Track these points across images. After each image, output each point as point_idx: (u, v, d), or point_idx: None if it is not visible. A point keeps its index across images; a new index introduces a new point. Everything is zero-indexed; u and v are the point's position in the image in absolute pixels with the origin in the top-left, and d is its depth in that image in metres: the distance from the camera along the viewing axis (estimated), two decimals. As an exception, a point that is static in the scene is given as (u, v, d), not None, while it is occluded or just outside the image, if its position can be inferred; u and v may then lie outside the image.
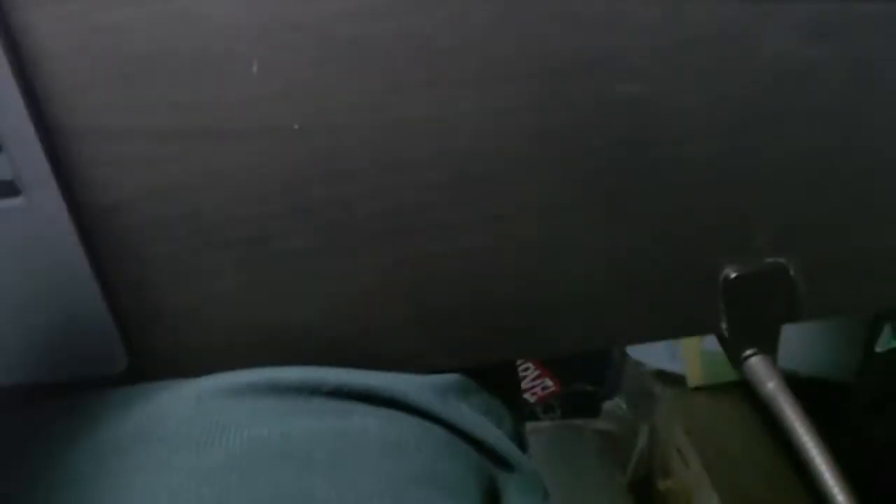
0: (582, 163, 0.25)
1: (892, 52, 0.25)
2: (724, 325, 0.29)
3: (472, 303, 0.28)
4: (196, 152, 0.24)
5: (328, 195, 0.25)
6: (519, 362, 0.84)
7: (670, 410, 0.72)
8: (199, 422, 0.24)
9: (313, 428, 0.25)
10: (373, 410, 0.26)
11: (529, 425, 0.84)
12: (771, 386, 0.28)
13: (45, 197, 0.23)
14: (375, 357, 0.28)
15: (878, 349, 0.60)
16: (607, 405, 0.85)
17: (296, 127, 0.24)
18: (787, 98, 0.25)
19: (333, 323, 0.27)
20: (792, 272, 0.28)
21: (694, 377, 0.73)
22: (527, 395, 0.88)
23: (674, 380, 0.74)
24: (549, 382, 0.88)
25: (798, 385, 0.28)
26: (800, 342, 0.62)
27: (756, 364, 0.29)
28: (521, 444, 0.32)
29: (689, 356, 0.72)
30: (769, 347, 0.29)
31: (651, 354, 0.76)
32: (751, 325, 0.29)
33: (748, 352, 0.29)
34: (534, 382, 0.88)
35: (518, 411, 0.33)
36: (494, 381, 0.31)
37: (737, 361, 0.29)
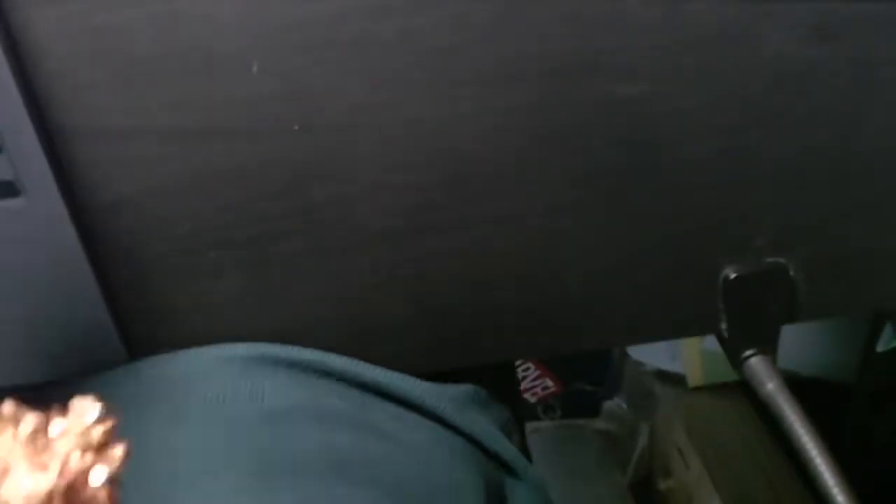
0: (582, 163, 0.25)
1: (893, 53, 0.25)
2: (723, 326, 0.29)
3: (471, 303, 0.28)
4: (196, 152, 0.24)
5: (328, 195, 0.25)
6: (519, 362, 0.84)
7: (671, 410, 0.72)
8: (237, 380, 0.25)
9: (339, 406, 0.25)
10: (392, 408, 0.27)
11: (530, 425, 0.84)
12: (771, 386, 0.28)
13: (45, 197, 0.23)
14: (375, 357, 0.28)
15: (879, 349, 0.60)
16: (608, 405, 0.85)
17: (296, 127, 0.24)
18: (787, 98, 0.25)
19: (333, 322, 0.27)
20: (792, 272, 0.28)
21: (694, 377, 0.73)
22: (527, 395, 0.88)
23: (674, 380, 0.74)
24: (549, 382, 0.88)
25: (798, 385, 0.28)
26: (800, 342, 0.62)
27: (756, 364, 0.29)
28: (527, 454, 0.33)
29: (690, 356, 0.72)
30: (769, 347, 0.29)
31: (651, 354, 0.76)
32: (750, 326, 0.29)
33: (748, 352, 0.29)
34: (534, 382, 0.88)
35: (520, 420, 0.34)
36: (497, 389, 0.31)
37: (737, 362, 0.29)
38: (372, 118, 0.24)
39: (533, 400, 0.89)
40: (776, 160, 0.26)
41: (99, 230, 0.24)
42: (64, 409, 0.15)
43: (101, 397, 0.16)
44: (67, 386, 0.26)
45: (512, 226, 0.26)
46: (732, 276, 0.28)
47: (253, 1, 0.22)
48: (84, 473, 0.13)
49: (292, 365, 0.26)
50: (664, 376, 0.76)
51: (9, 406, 0.14)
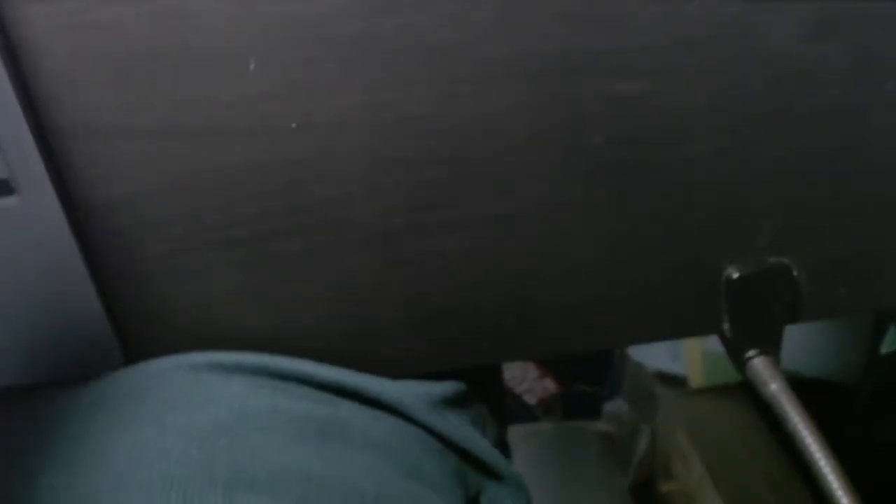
0: (582, 162, 0.25)
1: (893, 52, 0.25)
2: (726, 326, 0.29)
3: (471, 303, 0.27)
4: (193, 151, 0.24)
5: (327, 194, 0.25)
6: (519, 363, 0.84)
7: (672, 412, 0.72)
8: (192, 388, 0.24)
9: (302, 409, 0.25)
10: (360, 408, 0.26)
11: (530, 427, 0.84)
12: (774, 387, 0.28)
13: (41, 196, 0.23)
14: (374, 356, 0.28)
15: (882, 350, 0.60)
16: (608, 406, 0.85)
17: (293, 126, 0.24)
18: (788, 98, 0.25)
19: (332, 322, 0.27)
20: (794, 272, 0.28)
21: (696, 378, 0.73)
22: (527, 397, 0.88)
23: (675, 381, 0.74)
24: (549, 384, 0.88)
25: (801, 386, 0.28)
26: (803, 343, 0.62)
27: (759, 365, 0.29)
28: (505, 451, 0.32)
29: (691, 357, 0.72)
30: (772, 348, 0.29)
31: (652, 355, 0.76)
32: (753, 326, 0.29)
33: (751, 353, 0.29)
34: (534, 384, 0.88)
35: (500, 415, 0.33)
36: (476, 384, 0.31)
37: (739, 362, 0.29)
38: (371, 117, 0.24)
39: (533, 401, 0.89)
40: (777, 159, 0.26)
41: (95, 229, 0.24)
42: None
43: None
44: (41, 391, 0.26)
45: (512, 225, 0.26)
46: (735, 276, 0.28)
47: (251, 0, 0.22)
48: None
49: (255, 371, 0.25)
50: (665, 377, 0.76)
51: None
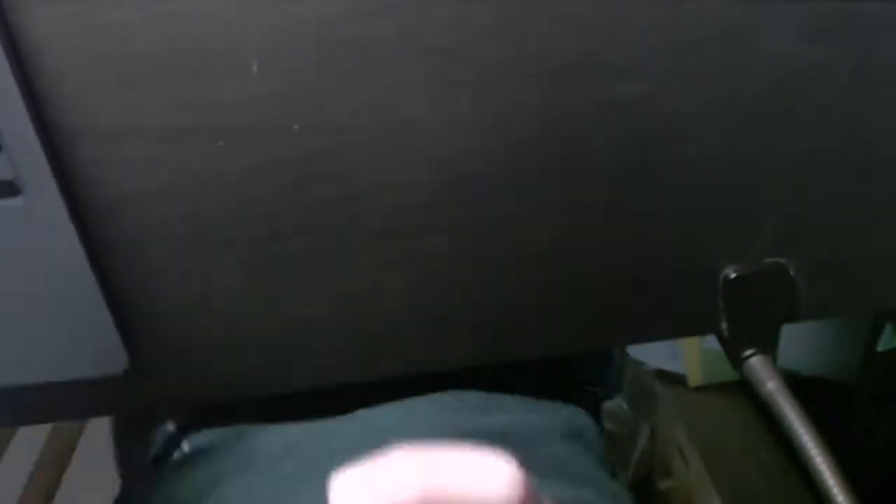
0: (582, 163, 0.25)
1: (892, 52, 0.25)
2: (724, 325, 0.29)
3: (472, 302, 0.28)
4: (196, 152, 0.24)
5: (328, 195, 0.25)
6: (519, 362, 0.84)
7: (671, 410, 0.72)
8: None
9: None
10: None
11: (530, 425, 0.84)
12: (771, 385, 0.28)
13: (45, 197, 0.23)
14: (374, 356, 0.28)
15: (879, 349, 0.60)
16: (608, 405, 0.85)
17: (295, 127, 0.24)
18: (787, 98, 0.25)
19: (333, 322, 0.27)
20: (792, 272, 0.28)
21: (694, 377, 0.73)
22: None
23: (674, 379, 0.74)
24: (549, 382, 0.88)
25: (798, 385, 0.28)
26: (800, 342, 0.62)
27: (756, 364, 0.29)
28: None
29: (690, 356, 0.72)
30: (769, 347, 0.29)
31: (651, 354, 0.76)
32: (751, 325, 0.29)
33: (748, 352, 0.29)
34: (534, 382, 0.88)
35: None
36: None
37: (737, 361, 0.29)
38: (372, 118, 0.24)
39: (533, 400, 0.89)
40: (776, 160, 0.26)
41: (99, 229, 0.24)
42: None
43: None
44: (66, 387, 0.26)
45: (511, 225, 0.26)
46: (733, 275, 0.28)
47: (253, 1, 0.22)
48: None
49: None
50: (664, 376, 0.76)
51: None
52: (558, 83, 0.24)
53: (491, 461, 0.13)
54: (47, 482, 0.57)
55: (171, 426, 0.35)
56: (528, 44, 0.23)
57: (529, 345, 0.29)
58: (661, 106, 0.25)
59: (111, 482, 0.44)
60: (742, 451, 0.66)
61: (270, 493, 0.25)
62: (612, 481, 0.28)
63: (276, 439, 0.29)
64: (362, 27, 0.23)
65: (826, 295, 0.29)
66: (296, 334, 0.27)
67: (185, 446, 0.32)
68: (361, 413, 0.32)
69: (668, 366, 0.75)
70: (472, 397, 0.30)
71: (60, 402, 0.28)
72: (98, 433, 0.54)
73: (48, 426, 0.61)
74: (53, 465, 0.58)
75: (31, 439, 0.59)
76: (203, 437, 0.32)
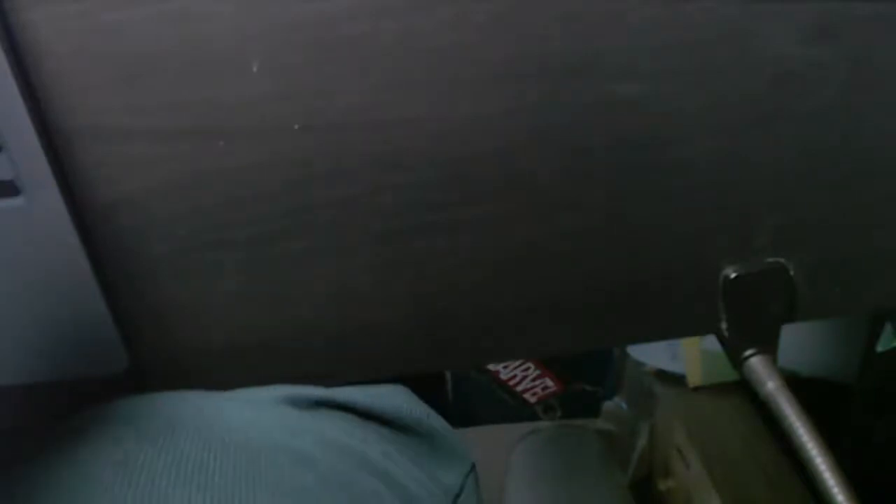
0: (582, 163, 0.25)
1: (893, 53, 0.25)
2: (723, 325, 0.29)
3: (472, 302, 0.28)
4: (196, 152, 0.24)
5: (328, 195, 0.25)
6: (520, 362, 0.84)
7: (671, 410, 0.72)
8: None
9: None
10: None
11: (530, 425, 0.84)
12: (771, 386, 0.28)
13: (46, 197, 0.23)
14: (374, 357, 0.28)
15: (879, 349, 0.60)
16: (608, 405, 0.85)
17: (296, 127, 0.24)
18: (787, 98, 0.25)
19: (333, 322, 0.27)
20: (791, 272, 0.28)
21: (694, 377, 0.73)
22: (527, 396, 0.88)
23: (674, 380, 0.74)
24: (549, 382, 0.88)
25: (798, 385, 0.28)
26: (800, 342, 0.62)
27: (756, 364, 0.29)
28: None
29: (690, 356, 0.72)
30: (769, 347, 0.29)
31: (651, 354, 0.76)
32: (750, 325, 0.29)
33: (748, 352, 0.29)
34: (534, 382, 0.88)
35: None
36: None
37: (737, 361, 0.29)
38: (372, 118, 0.24)
39: (533, 400, 0.89)
40: (776, 160, 0.26)
41: (99, 230, 0.24)
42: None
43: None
44: (67, 387, 0.26)
45: (511, 226, 0.26)
46: (732, 275, 0.28)
47: (253, 2, 0.22)
48: None
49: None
50: (664, 376, 0.76)
51: None
52: (558, 83, 0.24)
53: None
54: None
55: None
56: (528, 44, 0.23)
57: (529, 345, 0.29)
58: (660, 106, 0.25)
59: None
60: (742, 451, 0.66)
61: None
62: None
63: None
64: (362, 27, 0.23)
65: (826, 295, 0.29)
66: (296, 334, 0.27)
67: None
68: None
69: (668, 366, 0.75)
70: None
71: (60, 402, 0.28)
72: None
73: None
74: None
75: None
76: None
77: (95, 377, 0.26)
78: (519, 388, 0.88)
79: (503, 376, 0.86)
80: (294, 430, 0.24)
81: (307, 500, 0.22)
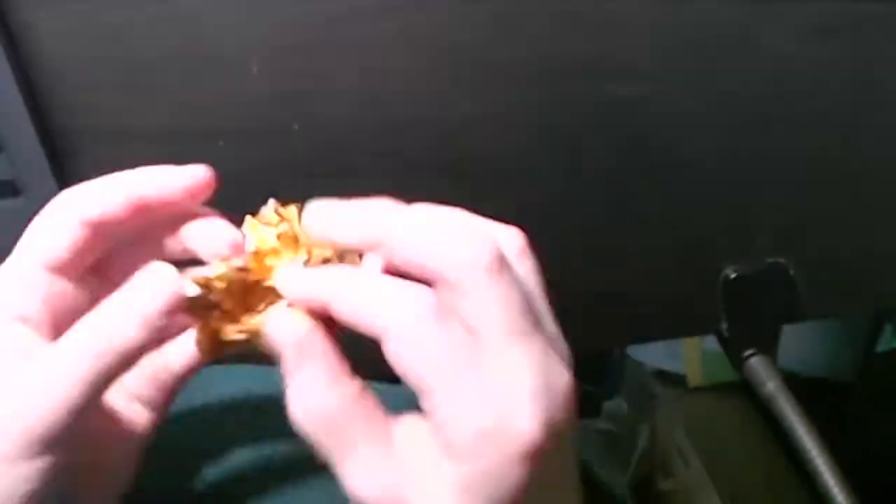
0: (582, 163, 0.25)
1: (893, 53, 0.25)
2: (724, 326, 0.29)
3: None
4: (196, 152, 0.24)
5: (328, 195, 0.25)
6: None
7: (670, 410, 0.72)
8: None
9: None
10: None
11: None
12: (771, 386, 0.28)
13: (45, 197, 0.23)
14: (374, 356, 0.28)
15: (879, 349, 0.60)
16: (608, 405, 0.85)
17: (296, 127, 0.24)
18: (788, 98, 0.25)
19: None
20: (792, 272, 0.28)
21: (694, 377, 0.73)
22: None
23: (674, 380, 0.74)
24: (549, 382, 0.88)
25: (798, 385, 0.28)
26: (800, 342, 0.62)
27: (756, 364, 0.29)
28: None
29: (690, 356, 0.72)
30: (769, 348, 0.29)
31: (651, 354, 0.76)
32: (751, 325, 0.29)
33: (748, 352, 0.29)
34: (534, 382, 0.88)
35: None
36: None
37: (737, 361, 0.29)
38: (372, 118, 0.24)
39: (533, 400, 0.89)
40: (777, 160, 0.26)
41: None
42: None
43: None
44: None
45: (511, 225, 0.26)
46: (733, 275, 0.28)
47: (253, 2, 0.22)
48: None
49: None
50: (664, 376, 0.76)
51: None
52: (558, 83, 0.24)
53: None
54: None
55: None
56: (528, 44, 0.23)
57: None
58: (660, 106, 0.25)
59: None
60: (742, 450, 0.66)
61: None
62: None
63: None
64: (363, 27, 0.23)
65: (826, 295, 0.29)
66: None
67: None
68: None
69: (668, 366, 0.75)
70: None
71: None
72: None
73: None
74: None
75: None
76: None
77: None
78: (519, 388, 0.88)
79: (503, 376, 0.86)
80: None
81: None
